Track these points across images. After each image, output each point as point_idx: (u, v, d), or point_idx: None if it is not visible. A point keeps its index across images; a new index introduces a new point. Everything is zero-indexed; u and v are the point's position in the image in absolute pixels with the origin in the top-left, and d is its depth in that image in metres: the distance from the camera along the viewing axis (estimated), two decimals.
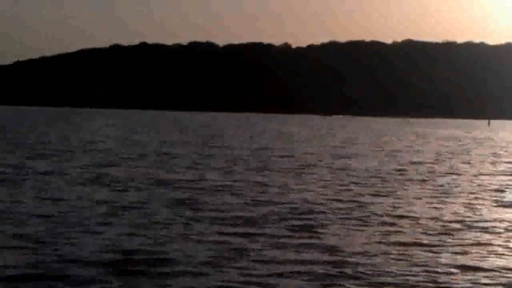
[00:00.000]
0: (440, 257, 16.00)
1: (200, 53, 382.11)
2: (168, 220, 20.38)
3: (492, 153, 62.82)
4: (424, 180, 34.16)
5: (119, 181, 30.13)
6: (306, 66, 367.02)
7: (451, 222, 21.25)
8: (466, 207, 24.67)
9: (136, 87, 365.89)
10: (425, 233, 19.02)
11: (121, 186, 28.46)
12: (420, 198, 26.61)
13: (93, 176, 31.93)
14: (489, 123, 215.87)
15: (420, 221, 20.93)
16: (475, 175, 38.31)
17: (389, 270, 14.73)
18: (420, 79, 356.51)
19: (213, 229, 19.16)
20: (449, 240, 18.14)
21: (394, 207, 24.31)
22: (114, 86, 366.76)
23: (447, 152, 62.06)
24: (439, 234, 18.82)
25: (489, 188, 31.65)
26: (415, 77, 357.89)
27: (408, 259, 15.88)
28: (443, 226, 20.36)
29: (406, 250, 16.84)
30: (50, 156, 44.00)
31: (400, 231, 19.45)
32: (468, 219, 21.93)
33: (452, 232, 19.30)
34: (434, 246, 17.30)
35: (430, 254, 16.35)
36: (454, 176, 37.22)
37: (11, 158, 41.01)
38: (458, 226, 20.48)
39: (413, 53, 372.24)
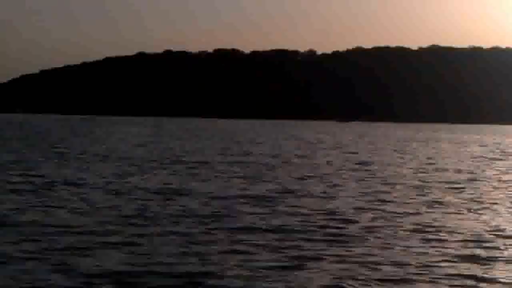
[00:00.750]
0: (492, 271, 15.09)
1: (226, 60, 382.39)
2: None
3: None
4: None
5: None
6: (331, 72, 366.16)
7: None
8: None
9: (161, 94, 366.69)
10: None
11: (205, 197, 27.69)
12: None
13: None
14: None
15: None
16: None
17: None
18: (445, 84, 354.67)
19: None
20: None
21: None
22: (139, 94, 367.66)
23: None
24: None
25: None
26: (441, 82, 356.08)
27: None
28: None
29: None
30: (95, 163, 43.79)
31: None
32: None
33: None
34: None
35: None
36: None
37: (50, 167, 40.87)
38: None
39: (438, 58, 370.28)
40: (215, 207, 23.78)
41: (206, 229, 19.30)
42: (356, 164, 47.87)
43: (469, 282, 13.99)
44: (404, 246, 17.36)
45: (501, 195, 29.41)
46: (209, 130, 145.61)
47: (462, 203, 26.43)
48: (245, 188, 29.91)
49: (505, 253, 16.80)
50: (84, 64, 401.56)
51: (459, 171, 43.25)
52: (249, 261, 15.10)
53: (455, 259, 16.03)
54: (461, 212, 24.01)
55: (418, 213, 23.38)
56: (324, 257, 15.95)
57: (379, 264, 15.16)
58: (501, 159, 58.93)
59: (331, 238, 18.15)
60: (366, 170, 42.69)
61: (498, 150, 77.28)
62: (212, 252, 16.09)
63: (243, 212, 22.50)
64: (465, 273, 14.60)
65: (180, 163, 44.85)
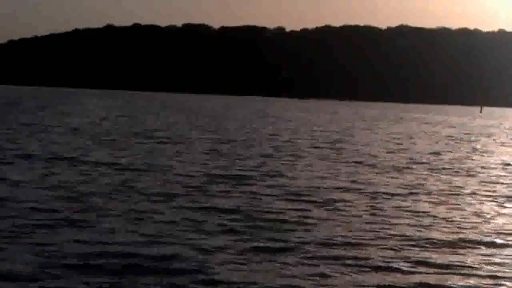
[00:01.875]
0: None
1: (194, 35, 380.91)
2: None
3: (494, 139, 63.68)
4: None
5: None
6: (300, 49, 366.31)
7: None
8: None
9: (129, 68, 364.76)
10: None
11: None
12: None
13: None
14: (481, 110, 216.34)
15: None
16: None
17: None
18: (412, 65, 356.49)
19: None
20: None
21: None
22: (108, 67, 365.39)
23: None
24: None
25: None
26: (408, 63, 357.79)
27: None
28: None
29: None
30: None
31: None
32: None
33: None
34: None
35: None
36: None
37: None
38: None
39: (406, 38, 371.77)
40: (180, 184, 24.12)
41: (155, 207, 19.39)
42: (327, 143, 48.73)
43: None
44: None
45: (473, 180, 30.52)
46: (178, 105, 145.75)
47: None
48: (213, 166, 30.40)
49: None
50: (53, 35, 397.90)
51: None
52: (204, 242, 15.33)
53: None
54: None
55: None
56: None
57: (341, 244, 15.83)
58: (470, 140, 60.63)
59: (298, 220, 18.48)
60: (335, 149, 43.67)
61: (465, 131, 79.28)
62: (166, 232, 16.23)
63: (206, 191, 22.78)
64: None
65: (143, 138, 45.67)
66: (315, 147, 43.71)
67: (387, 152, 42.02)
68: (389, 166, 33.04)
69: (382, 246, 15.40)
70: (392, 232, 16.94)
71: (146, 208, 18.92)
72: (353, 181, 26.49)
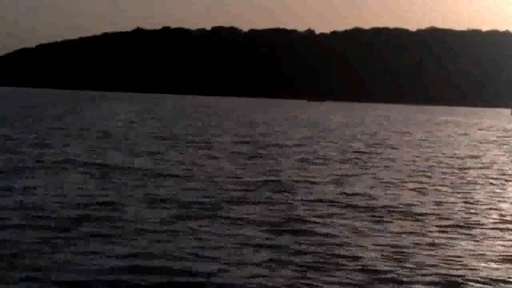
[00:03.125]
0: None
1: (223, 38, 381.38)
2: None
3: None
4: None
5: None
6: (329, 52, 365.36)
7: None
8: None
9: (158, 71, 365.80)
10: None
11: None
12: None
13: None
14: None
15: None
16: None
17: None
18: (444, 66, 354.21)
19: None
20: None
21: None
22: (136, 70, 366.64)
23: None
24: None
25: None
26: (439, 64, 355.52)
27: None
28: None
29: None
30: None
31: None
32: None
33: None
34: None
35: None
36: None
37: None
38: None
39: (437, 40, 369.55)
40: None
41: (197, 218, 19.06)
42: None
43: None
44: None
45: None
46: (208, 108, 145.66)
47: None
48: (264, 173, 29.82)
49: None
50: (82, 39, 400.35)
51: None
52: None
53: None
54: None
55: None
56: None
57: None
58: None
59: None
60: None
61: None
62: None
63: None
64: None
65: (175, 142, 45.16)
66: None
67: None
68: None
69: None
70: None
71: (185, 220, 18.31)
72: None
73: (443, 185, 27.55)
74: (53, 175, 26.02)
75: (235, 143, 46.86)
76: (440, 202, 22.95)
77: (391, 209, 21.06)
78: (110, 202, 20.24)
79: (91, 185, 23.85)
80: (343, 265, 14.22)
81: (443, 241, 16.87)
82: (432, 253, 15.55)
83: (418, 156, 41.76)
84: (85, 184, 23.96)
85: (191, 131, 59.04)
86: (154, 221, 17.85)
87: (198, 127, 66.70)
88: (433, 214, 20.50)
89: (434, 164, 36.95)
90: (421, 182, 28.26)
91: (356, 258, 14.72)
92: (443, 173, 32.33)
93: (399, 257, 15.02)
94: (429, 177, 30.35)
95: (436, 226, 18.73)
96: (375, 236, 17.14)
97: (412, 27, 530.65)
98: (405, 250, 15.71)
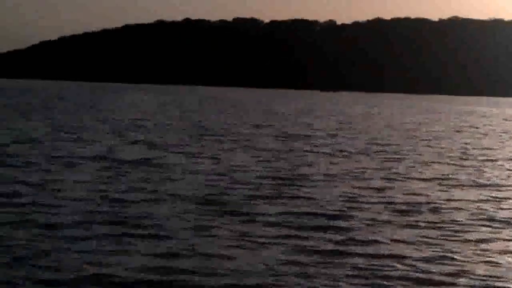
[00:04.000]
0: None
1: (244, 29, 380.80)
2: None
3: None
4: None
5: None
6: (351, 43, 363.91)
7: None
8: None
9: (179, 62, 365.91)
10: None
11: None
12: None
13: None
14: None
15: None
16: None
17: None
18: (465, 56, 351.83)
19: None
20: None
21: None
22: (158, 61, 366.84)
23: None
24: None
25: None
26: (460, 55, 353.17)
27: None
28: None
29: None
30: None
31: None
32: None
33: None
34: None
35: None
36: None
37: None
38: None
39: (458, 30, 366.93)
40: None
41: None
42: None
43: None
44: None
45: None
46: (232, 100, 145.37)
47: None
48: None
49: None
50: (104, 32, 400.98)
51: None
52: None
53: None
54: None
55: None
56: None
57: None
58: None
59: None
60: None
61: None
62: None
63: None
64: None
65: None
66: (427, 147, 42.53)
67: None
68: None
69: None
70: None
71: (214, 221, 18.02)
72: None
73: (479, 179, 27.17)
74: (66, 170, 25.76)
75: (260, 135, 46.55)
76: (484, 199, 22.60)
77: (428, 205, 20.71)
78: (124, 199, 19.86)
79: (105, 180, 23.52)
80: (369, 263, 13.98)
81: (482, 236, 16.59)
82: (467, 248, 15.30)
83: (454, 148, 41.30)
84: (99, 179, 23.61)
85: (213, 123, 58.76)
86: (172, 218, 17.60)
87: (221, 119, 66.41)
88: (465, 209, 20.18)
89: (468, 156, 36.51)
90: (452, 175, 27.87)
91: (382, 256, 14.51)
92: (476, 166, 31.89)
93: (437, 255, 14.75)
94: (464, 168, 29.96)
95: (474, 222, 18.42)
96: (402, 231, 16.87)
97: (434, 16, 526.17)
98: (440, 247, 15.45)
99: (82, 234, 15.54)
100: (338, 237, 16.02)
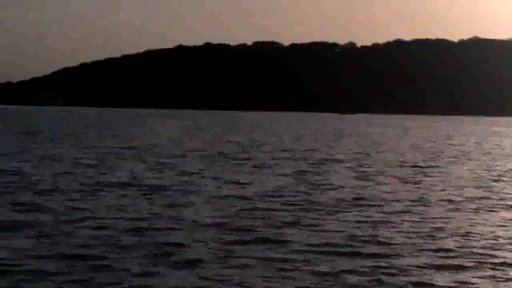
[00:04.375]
0: None
1: (265, 53, 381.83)
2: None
3: None
4: None
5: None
6: (371, 65, 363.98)
7: None
8: None
9: (200, 87, 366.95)
10: None
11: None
12: None
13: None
14: None
15: None
16: None
17: None
18: (487, 76, 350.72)
19: None
20: None
21: None
22: (178, 86, 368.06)
23: None
24: None
25: None
26: (483, 75, 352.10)
27: None
28: None
29: None
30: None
31: None
32: None
33: None
34: None
35: None
36: None
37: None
38: None
39: (479, 50, 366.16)
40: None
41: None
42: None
43: None
44: None
45: None
46: (262, 123, 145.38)
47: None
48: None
49: None
50: (124, 57, 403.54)
51: None
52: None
53: None
54: None
55: None
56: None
57: None
58: None
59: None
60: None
61: None
62: None
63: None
64: None
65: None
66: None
67: None
68: None
69: None
70: None
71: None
72: None
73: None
74: (91, 197, 25.60)
75: (285, 158, 46.27)
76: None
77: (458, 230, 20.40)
78: (149, 227, 19.64)
79: (129, 207, 23.29)
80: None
81: None
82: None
83: (487, 170, 40.81)
84: (123, 206, 23.40)
85: (236, 147, 58.54)
86: (199, 245, 17.39)
87: (245, 142, 66.23)
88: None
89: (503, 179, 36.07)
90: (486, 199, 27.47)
91: (411, 283, 14.25)
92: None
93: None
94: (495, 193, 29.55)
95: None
96: (432, 256, 16.61)
97: (454, 37, 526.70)
98: (471, 272, 15.20)
99: (109, 263, 15.39)
100: (370, 263, 15.77)
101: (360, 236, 18.80)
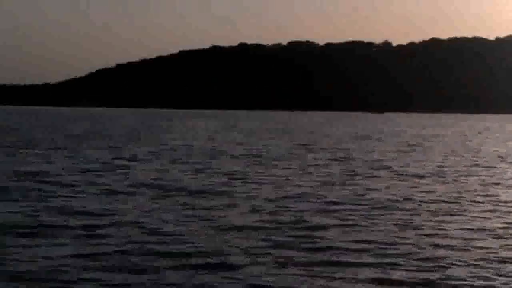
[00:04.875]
0: None
1: (300, 52, 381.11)
2: None
3: None
4: None
5: None
6: (406, 64, 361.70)
7: None
8: None
9: (235, 87, 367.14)
10: None
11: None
12: None
13: None
14: None
15: None
16: None
17: None
18: None
19: None
20: None
21: None
22: (213, 87, 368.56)
23: None
24: None
25: None
26: None
27: None
28: None
29: None
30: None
31: None
32: None
33: None
34: None
35: None
36: None
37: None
38: None
39: None
40: None
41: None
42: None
43: None
44: None
45: None
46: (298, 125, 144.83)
47: None
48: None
49: None
50: (159, 58, 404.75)
51: None
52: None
53: None
54: None
55: None
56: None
57: None
58: None
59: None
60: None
61: None
62: None
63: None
64: None
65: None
66: None
67: None
68: None
69: None
70: None
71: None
72: None
73: None
74: (125, 198, 25.24)
75: (321, 159, 45.75)
76: None
77: None
78: (186, 231, 19.13)
79: (167, 210, 22.81)
80: None
81: None
82: None
83: None
84: (160, 209, 22.97)
85: (272, 147, 58.09)
86: (242, 249, 16.85)
87: (281, 143, 65.74)
88: None
89: None
90: None
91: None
92: None
93: None
94: None
95: None
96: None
97: (490, 35, 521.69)
98: None
99: (146, 267, 15.07)
100: (424, 266, 15.32)
101: (401, 238, 18.33)
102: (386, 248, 17.05)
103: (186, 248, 16.77)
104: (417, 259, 15.97)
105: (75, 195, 25.70)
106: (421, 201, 25.36)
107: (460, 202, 25.40)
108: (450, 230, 19.68)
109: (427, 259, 16.05)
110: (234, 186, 29.44)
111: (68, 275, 14.29)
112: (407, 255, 16.39)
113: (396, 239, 18.16)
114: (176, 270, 14.80)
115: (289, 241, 17.81)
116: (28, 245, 17.02)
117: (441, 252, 16.76)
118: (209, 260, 15.82)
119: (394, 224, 20.39)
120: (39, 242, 17.32)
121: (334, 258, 16.04)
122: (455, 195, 27.47)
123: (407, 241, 17.94)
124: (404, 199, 25.77)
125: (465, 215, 22.40)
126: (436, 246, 17.48)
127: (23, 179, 30.44)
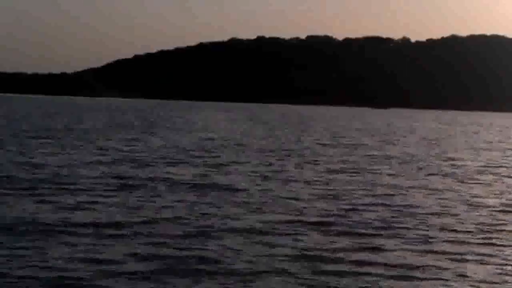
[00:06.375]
0: None
1: (318, 47, 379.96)
2: None
3: None
4: None
5: None
6: (425, 60, 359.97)
7: None
8: None
9: (253, 80, 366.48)
10: None
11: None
12: None
13: None
14: None
15: None
16: None
17: None
18: None
19: None
20: None
21: None
22: (231, 79, 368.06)
23: None
24: None
25: None
26: None
27: None
28: None
29: None
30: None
31: None
32: None
33: None
34: None
35: None
36: None
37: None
38: None
39: None
40: None
41: None
42: None
43: None
44: None
45: None
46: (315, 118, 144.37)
47: None
48: None
49: None
50: (178, 50, 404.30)
51: None
52: None
53: None
54: None
55: None
56: None
57: None
58: None
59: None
60: None
61: None
62: None
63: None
64: None
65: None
66: None
67: None
68: None
69: None
70: None
71: None
72: None
73: None
74: (155, 194, 24.87)
75: (348, 155, 45.52)
76: None
77: None
78: (218, 230, 18.82)
79: (193, 208, 22.24)
80: None
81: None
82: None
83: None
84: (188, 205, 22.66)
85: (296, 142, 57.80)
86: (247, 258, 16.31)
87: (305, 138, 65.37)
88: None
89: None
90: None
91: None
92: None
93: None
94: None
95: None
96: None
97: (510, 33, 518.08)
98: None
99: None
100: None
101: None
102: None
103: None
104: None
105: (90, 191, 25.08)
106: None
107: None
108: None
109: None
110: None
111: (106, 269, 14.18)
112: None
113: None
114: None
115: None
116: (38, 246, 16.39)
117: None
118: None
119: None
120: (51, 242, 16.74)
121: (380, 259, 15.87)
122: None
123: None
124: None
125: None
126: None
127: (38, 171, 29.81)
